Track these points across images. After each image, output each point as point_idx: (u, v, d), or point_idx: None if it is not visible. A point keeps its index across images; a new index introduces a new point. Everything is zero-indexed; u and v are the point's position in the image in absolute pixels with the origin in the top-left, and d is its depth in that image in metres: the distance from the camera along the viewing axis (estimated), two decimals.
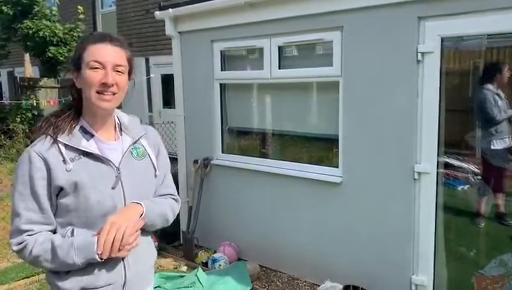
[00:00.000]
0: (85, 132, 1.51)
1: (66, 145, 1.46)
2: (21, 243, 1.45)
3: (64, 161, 1.44)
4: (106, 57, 1.46)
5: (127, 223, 1.43)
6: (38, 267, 1.52)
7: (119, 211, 1.48)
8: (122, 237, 1.41)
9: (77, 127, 1.51)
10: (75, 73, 1.50)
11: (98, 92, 1.45)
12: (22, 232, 1.44)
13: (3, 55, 11.45)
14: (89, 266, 1.45)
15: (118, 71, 1.48)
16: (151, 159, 1.64)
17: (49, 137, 1.46)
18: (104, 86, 1.45)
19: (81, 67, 1.47)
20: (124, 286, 1.54)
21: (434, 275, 3.36)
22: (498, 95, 3.71)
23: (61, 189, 1.44)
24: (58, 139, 1.46)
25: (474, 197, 3.93)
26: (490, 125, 3.76)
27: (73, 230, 1.47)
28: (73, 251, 1.42)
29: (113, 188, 1.49)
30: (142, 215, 1.51)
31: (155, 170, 1.64)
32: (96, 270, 1.47)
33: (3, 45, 11.37)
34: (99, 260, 1.41)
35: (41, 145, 1.44)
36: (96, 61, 1.45)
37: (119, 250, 1.42)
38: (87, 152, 1.48)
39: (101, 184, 1.47)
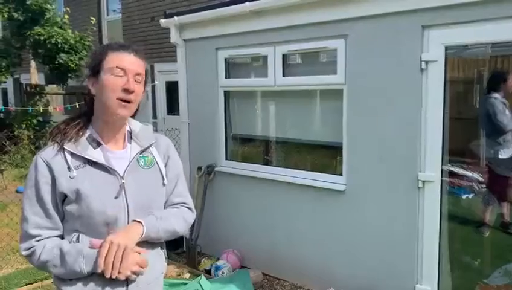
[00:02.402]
0: (92, 140, 1.52)
1: (71, 153, 1.47)
2: (30, 249, 1.47)
3: (69, 168, 1.46)
4: (128, 65, 1.48)
5: (126, 242, 1.42)
6: (47, 272, 1.52)
7: (119, 230, 1.46)
8: (122, 257, 1.40)
9: (85, 136, 1.52)
10: (92, 79, 1.51)
11: (118, 99, 1.46)
12: (30, 237, 1.47)
13: (17, 63, 11.52)
14: (93, 273, 1.45)
15: (136, 80, 1.50)
16: (159, 168, 1.62)
17: (56, 144, 1.49)
18: (126, 92, 1.46)
19: (100, 74, 1.48)
20: None
21: (438, 284, 3.33)
22: (504, 103, 3.70)
23: (65, 196, 1.46)
24: (65, 146, 1.47)
25: (479, 205, 3.92)
26: (498, 134, 3.75)
27: (78, 236, 1.48)
28: (82, 259, 1.43)
29: (115, 197, 1.49)
30: (142, 234, 1.49)
31: (163, 178, 1.62)
32: (100, 278, 1.47)
33: (18, 54, 11.45)
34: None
35: (48, 152, 1.48)
36: (119, 68, 1.46)
37: (119, 272, 1.40)
38: (92, 161, 1.48)
39: (103, 193, 1.47)
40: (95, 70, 1.50)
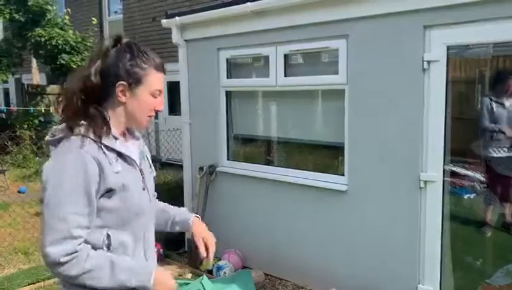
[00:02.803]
0: (113, 136, 1.50)
1: (106, 147, 1.43)
2: (71, 254, 1.35)
3: (109, 162, 1.42)
4: (162, 86, 1.56)
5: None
6: (74, 283, 1.40)
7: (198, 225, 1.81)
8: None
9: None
10: (124, 87, 1.47)
11: (148, 116, 1.55)
12: (72, 238, 1.35)
13: (18, 63, 11.55)
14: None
15: None
16: (148, 160, 1.70)
17: (90, 140, 1.41)
18: (156, 111, 1.57)
19: (139, 88, 1.49)
20: None
21: (440, 284, 3.33)
22: (500, 104, 3.70)
23: (108, 191, 1.42)
24: (103, 141, 1.43)
25: (481, 206, 3.91)
26: (484, 132, 3.78)
27: (109, 235, 1.45)
28: (131, 273, 1.42)
29: (143, 189, 1.55)
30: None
31: (152, 170, 1.71)
32: None
33: (19, 54, 11.48)
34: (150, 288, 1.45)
35: (89, 146, 1.39)
36: (159, 90, 1.54)
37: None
38: (121, 154, 1.48)
39: (137, 186, 1.53)
40: (134, 82, 1.47)
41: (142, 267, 1.49)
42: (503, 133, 3.70)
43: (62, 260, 1.33)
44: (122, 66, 1.46)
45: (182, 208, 1.90)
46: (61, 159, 1.38)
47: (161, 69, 1.54)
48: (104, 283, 1.39)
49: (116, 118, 1.51)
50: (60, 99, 1.49)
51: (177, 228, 1.86)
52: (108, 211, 1.44)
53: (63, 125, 1.44)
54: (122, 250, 1.48)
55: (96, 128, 1.42)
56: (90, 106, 1.46)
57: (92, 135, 1.41)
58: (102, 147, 1.42)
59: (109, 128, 1.46)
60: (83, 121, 1.42)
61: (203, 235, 1.86)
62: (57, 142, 1.44)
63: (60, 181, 1.35)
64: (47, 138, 1.48)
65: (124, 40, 1.51)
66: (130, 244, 1.51)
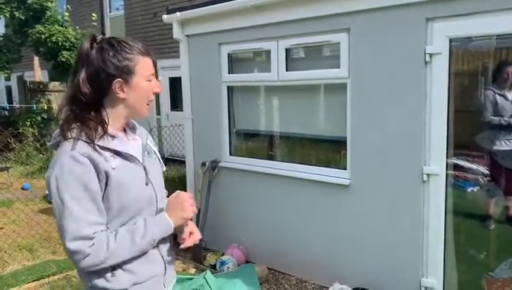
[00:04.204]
0: (110, 135, 1.50)
1: (100, 146, 1.44)
2: (91, 246, 1.38)
3: (105, 160, 1.43)
4: (153, 69, 1.58)
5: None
6: (100, 269, 1.44)
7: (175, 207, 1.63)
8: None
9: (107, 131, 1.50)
10: (120, 82, 1.48)
11: (147, 102, 1.58)
12: (85, 237, 1.38)
13: (16, 59, 11.57)
14: (134, 263, 1.49)
15: None
16: (157, 156, 1.71)
17: (83, 141, 1.42)
18: (154, 95, 1.59)
19: (133, 78, 1.50)
20: (164, 276, 1.62)
21: (444, 277, 3.33)
22: (503, 96, 3.69)
23: (107, 187, 1.44)
24: (94, 141, 1.44)
25: (484, 198, 3.90)
26: (488, 125, 3.76)
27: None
28: (150, 227, 1.49)
29: (146, 184, 1.55)
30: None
31: (162, 165, 1.72)
32: (141, 265, 1.52)
33: (18, 50, 11.50)
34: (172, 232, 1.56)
35: (82, 147, 1.41)
36: (152, 74, 1.56)
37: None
38: (118, 152, 1.48)
39: (138, 181, 1.53)
40: (128, 76, 1.49)
41: (157, 218, 1.54)
42: (508, 124, 3.68)
43: (89, 251, 1.38)
44: (110, 64, 1.46)
45: None
46: (58, 164, 1.41)
47: (147, 53, 1.55)
48: (131, 254, 1.46)
49: (116, 114, 1.53)
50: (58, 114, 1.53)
51: None
52: (111, 211, 1.46)
53: (58, 130, 1.48)
54: None
55: (88, 131, 1.43)
56: (87, 111, 1.48)
57: (84, 137, 1.43)
58: (96, 148, 1.43)
59: (104, 130, 1.47)
60: (74, 125, 1.45)
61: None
62: (56, 147, 1.49)
63: (60, 184, 1.39)
64: (49, 143, 1.54)
65: (99, 38, 1.50)
66: None
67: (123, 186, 1.46)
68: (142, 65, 1.52)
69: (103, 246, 1.40)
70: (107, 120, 1.50)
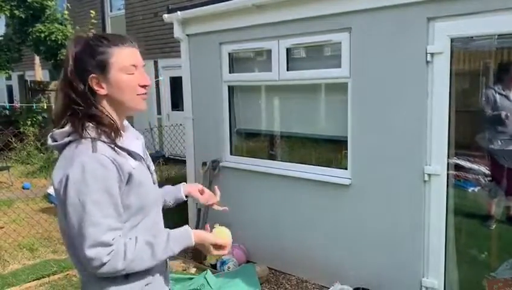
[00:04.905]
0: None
1: (118, 147, 1.42)
2: (110, 253, 1.34)
3: (126, 160, 1.42)
4: (137, 59, 1.47)
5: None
6: (114, 273, 1.38)
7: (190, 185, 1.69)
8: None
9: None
10: (96, 78, 1.42)
11: (137, 95, 1.48)
12: (106, 244, 1.33)
13: (17, 58, 11.57)
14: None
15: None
16: (148, 156, 1.68)
17: (100, 141, 1.39)
18: (144, 87, 1.48)
19: (110, 73, 1.42)
20: (165, 273, 1.61)
21: (445, 277, 3.33)
22: (504, 95, 3.68)
23: (128, 187, 1.42)
24: (111, 142, 1.41)
25: (485, 199, 3.90)
26: (489, 124, 3.76)
27: (136, 237, 1.43)
28: (171, 243, 1.45)
29: (154, 183, 1.57)
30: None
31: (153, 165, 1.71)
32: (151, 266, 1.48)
33: (18, 49, 11.50)
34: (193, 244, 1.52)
35: (104, 148, 1.37)
36: (133, 65, 1.45)
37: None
38: (130, 151, 1.46)
39: (150, 181, 1.54)
40: (103, 70, 1.42)
41: (180, 233, 1.51)
42: (507, 118, 3.67)
43: (105, 259, 1.33)
44: (86, 61, 1.42)
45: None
46: (76, 165, 1.33)
47: (126, 43, 1.46)
48: (149, 266, 1.43)
49: (109, 111, 1.48)
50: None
51: (171, 200, 1.85)
52: (130, 212, 1.43)
53: (68, 129, 1.40)
54: None
55: (107, 129, 1.41)
56: (90, 107, 1.43)
57: (103, 137, 1.39)
58: (115, 148, 1.40)
59: (118, 128, 1.44)
60: (87, 123, 1.40)
61: (198, 188, 1.94)
62: (62, 147, 1.42)
63: (81, 187, 1.32)
64: (49, 142, 1.46)
65: (81, 39, 1.46)
66: None
67: (142, 186, 1.45)
68: (119, 56, 1.43)
69: (121, 256, 1.35)
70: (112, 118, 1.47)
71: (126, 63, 1.44)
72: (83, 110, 1.41)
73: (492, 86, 3.73)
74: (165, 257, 1.47)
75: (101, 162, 1.34)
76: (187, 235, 1.51)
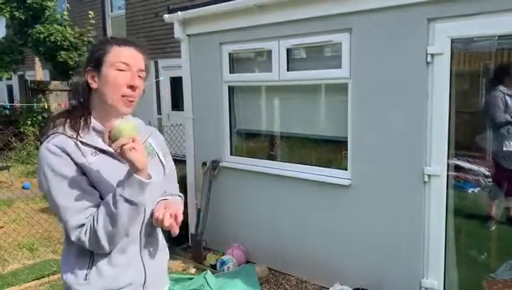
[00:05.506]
0: (97, 131, 1.48)
1: (81, 142, 1.43)
2: (86, 232, 1.38)
3: (83, 155, 1.42)
4: (132, 60, 1.48)
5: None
6: (102, 248, 1.41)
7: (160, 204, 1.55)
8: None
9: (90, 126, 1.48)
10: (92, 72, 1.47)
11: (122, 96, 1.46)
12: (78, 226, 1.38)
13: (19, 60, 11.57)
14: (109, 267, 1.45)
15: (139, 76, 1.50)
16: (159, 158, 1.65)
17: (62, 135, 1.43)
18: (131, 89, 1.46)
19: (103, 67, 1.46)
20: (144, 286, 1.54)
21: (444, 278, 3.33)
22: (510, 95, 3.67)
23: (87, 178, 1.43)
24: (73, 136, 1.43)
25: (485, 200, 3.89)
26: (500, 126, 3.73)
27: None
28: (120, 190, 1.36)
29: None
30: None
31: (164, 169, 1.64)
32: (116, 271, 1.46)
33: (20, 51, 11.51)
34: (145, 180, 1.37)
35: (58, 140, 1.41)
36: (123, 63, 1.46)
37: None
38: (103, 150, 1.46)
39: (116, 179, 1.45)
40: (97, 64, 1.46)
41: (125, 179, 1.38)
42: None
43: (84, 238, 1.38)
44: (90, 57, 1.51)
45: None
46: (39, 157, 1.44)
47: (124, 43, 1.49)
48: (123, 219, 1.37)
49: (99, 108, 1.50)
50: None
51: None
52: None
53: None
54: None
55: (73, 123, 1.45)
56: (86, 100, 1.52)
57: (68, 131, 1.43)
58: (78, 143, 1.42)
59: (86, 121, 1.46)
60: (61, 119, 1.47)
61: (164, 206, 1.54)
62: None
63: (45, 182, 1.40)
64: None
65: (102, 40, 1.55)
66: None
67: (102, 183, 1.43)
68: (114, 53, 1.46)
69: (94, 226, 1.37)
70: (90, 112, 1.50)
71: (118, 60, 1.46)
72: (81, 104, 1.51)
73: (498, 88, 3.70)
74: (123, 205, 1.36)
75: (52, 151, 1.39)
76: (128, 175, 1.38)
